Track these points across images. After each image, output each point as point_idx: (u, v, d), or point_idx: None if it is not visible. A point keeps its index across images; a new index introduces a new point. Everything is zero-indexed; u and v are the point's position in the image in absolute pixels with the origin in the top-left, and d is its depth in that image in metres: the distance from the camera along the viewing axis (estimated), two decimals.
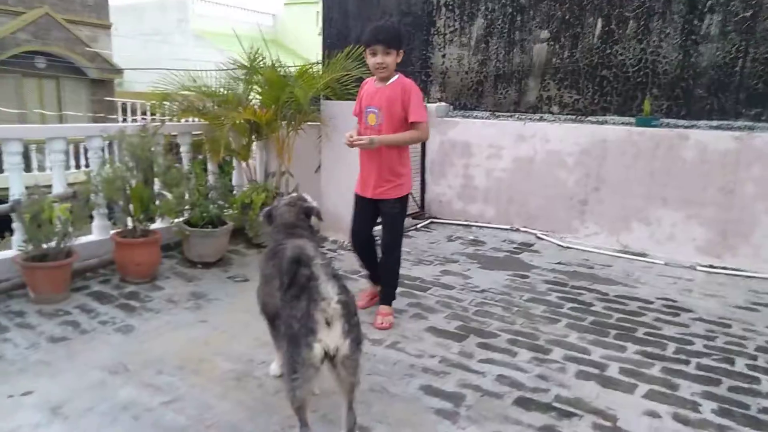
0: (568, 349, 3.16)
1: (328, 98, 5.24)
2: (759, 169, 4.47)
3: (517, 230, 5.73)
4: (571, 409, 2.54)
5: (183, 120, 4.87)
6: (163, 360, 2.87)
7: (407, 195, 3.60)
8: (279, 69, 4.97)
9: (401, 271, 4.40)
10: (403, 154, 3.51)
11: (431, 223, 6.13)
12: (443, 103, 6.35)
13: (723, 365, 2.99)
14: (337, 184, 5.08)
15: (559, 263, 4.79)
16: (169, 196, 4.09)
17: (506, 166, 5.75)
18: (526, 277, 4.41)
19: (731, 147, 4.56)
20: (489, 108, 6.19)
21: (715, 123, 4.90)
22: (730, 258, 4.64)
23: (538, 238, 5.51)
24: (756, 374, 2.89)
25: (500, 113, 6.06)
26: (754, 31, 4.70)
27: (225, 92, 4.79)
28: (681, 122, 5.03)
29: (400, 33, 3.55)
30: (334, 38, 7.04)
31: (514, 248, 5.24)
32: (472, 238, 5.60)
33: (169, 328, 3.27)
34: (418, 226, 5.98)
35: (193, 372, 2.78)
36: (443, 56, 6.39)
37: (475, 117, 6.10)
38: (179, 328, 3.26)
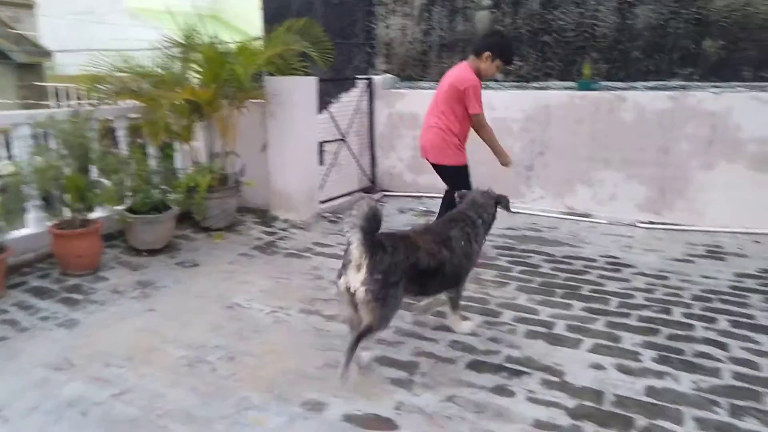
0: (518, 310, 3.25)
1: (271, 74, 5.12)
2: (692, 127, 4.65)
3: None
4: (521, 368, 2.62)
5: (118, 103, 4.65)
6: (111, 352, 2.80)
7: None
8: (218, 45, 4.81)
9: None
10: None
11: (383, 196, 6.14)
12: (389, 75, 6.30)
13: (661, 315, 3.14)
14: (284, 163, 5.00)
15: (508, 228, 4.89)
16: (108, 183, 3.93)
17: None
18: None
19: (666, 107, 4.72)
20: (435, 78, 6.16)
21: (651, 84, 5.05)
22: (668, 213, 4.85)
23: None
24: (691, 321, 3.06)
25: None
26: None
27: (161, 72, 4.60)
28: (619, 84, 5.15)
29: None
30: (274, 12, 6.84)
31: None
32: (423, 209, 5.65)
33: (115, 319, 3.18)
34: None
35: (142, 362, 2.72)
36: (387, 27, 6.32)
37: (422, 88, 6.08)
38: (126, 319, 3.18)
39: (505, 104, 5.40)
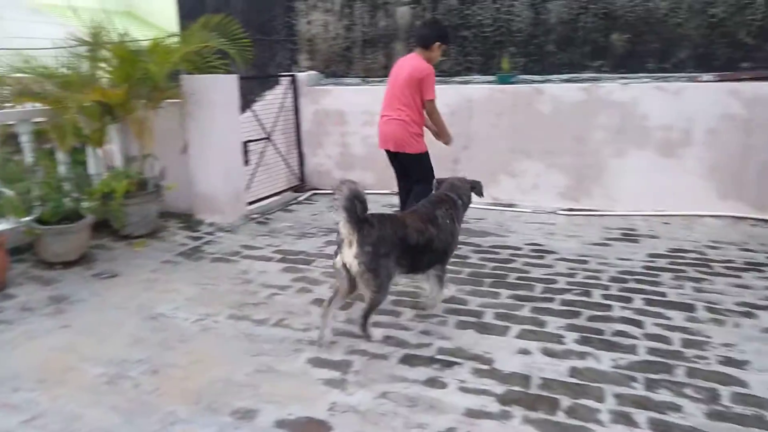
0: (448, 302, 3.30)
1: (190, 73, 4.93)
2: (604, 117, 4.89)
3: (397, 194, 5.82)
4: (453, 359, 2.67)
5: (20, 106, 4.32)
6: (20, 375, 2.60)
7: None
8: (129, 43, 4.57)
9: (285, 247, 4.36)
10: None
11: (313, 194, 6.08)
12: (313, 72, 6.23)
13: (582, 298, 3.29)
14: (207, 164, 4.83)
15: None
16: (11, 193, 3.64)
17: None
18: None
19: (580, 98, 4.94)
20: (360, 74, 6.17)
21: (565, 76, 5.27)
22: (586, 200, 5.09)
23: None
24: (609, 302, 3.22)
25: (371, 79, 6.07)
26: None
27: (67, 72, 4.31)
28: (536, 77, 5.34)
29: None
30: (189, 8, 6.61)
31: (395, 211, 5.33)
32: None
33: (25, 338, 2.95)
34: (300, 198, 5.91)
35: (57, 383, 2.54)
36: (308, 23, 6.24)
37: (347, 84, 6.06)
38: (37, 338, 2.96)
39: None
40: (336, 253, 2.78)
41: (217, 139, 4.79)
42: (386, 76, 5.89)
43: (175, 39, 4.69)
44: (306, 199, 5.93)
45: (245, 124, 5.36)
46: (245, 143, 5.23)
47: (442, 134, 4.30)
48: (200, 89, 4.65)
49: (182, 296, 3.50)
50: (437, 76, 5.66)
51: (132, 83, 4.31)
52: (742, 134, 4.53)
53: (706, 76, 4.71)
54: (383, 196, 5.82)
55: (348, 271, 2.73)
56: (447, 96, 5.38)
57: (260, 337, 2.95)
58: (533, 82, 5.25)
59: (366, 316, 2.81)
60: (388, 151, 4.31)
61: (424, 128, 4.25)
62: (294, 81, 6.02)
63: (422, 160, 4.20)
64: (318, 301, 3.36)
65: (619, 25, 5.05)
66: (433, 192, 3.37)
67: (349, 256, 2.69)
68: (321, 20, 6.16)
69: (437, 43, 4.02)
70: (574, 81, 5.14)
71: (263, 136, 5.65)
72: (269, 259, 4.12)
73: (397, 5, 5.80)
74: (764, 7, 4.61)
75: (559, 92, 5.01)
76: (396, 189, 5.81)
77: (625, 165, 4.90)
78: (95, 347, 2.87)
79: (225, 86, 4.76)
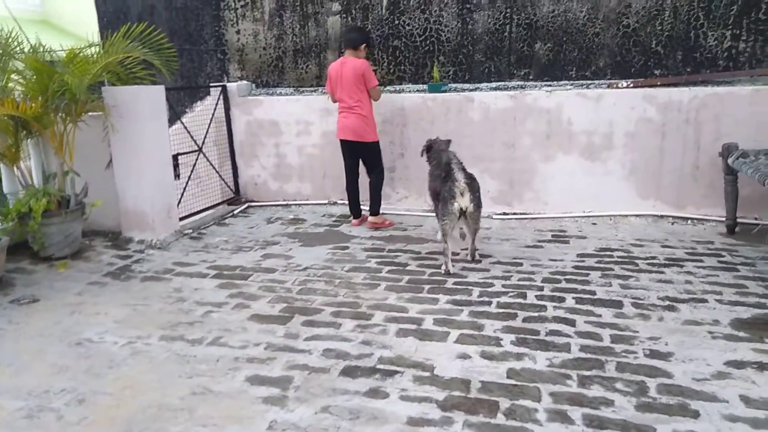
0: (388, 310, 3.31)
1: (113, 84, 4.72)
2: (531, 123, 5.07)
3: (335, 203, 5.82)
4: (394, 368, 2.66)
5: None
6: None
7: None
8: (46, 53, 4.32)
9: (220, 262, 4.24)
10: None
11: (249, 207, 5.95)
12: (244, 82, 6.11)
13: (518, 300, 3.38)
14: (134, 179, 4.63)
15: (375, 230, 4.97)
16: None
17: (316, 142, 5.76)
18: (347, 248, 4.51)
19: (509, 105, 5.10)
20: (292, 84, 6.11)
21: (494, 84, 5.43)
22: (518, 204, 5.25)
23: None
24: (543, 303, 3.32)
25: (304, 88, 6.03)
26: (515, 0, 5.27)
27: None
28: (466, 86, 5.48)
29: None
30: (111, 16, 6.35)
31: (334, 221, 5.32)
32: (292, 217, 5.56)
33: None
34: (235, 212, 5.77)
35: None
36: (238, 32, 6.12)
37: (280, 94, 5.99)
38: None
39: None
40: (452, 202, 3.78)
41: (145, 153, 4.60)
42: (320, 85, 5.94)
43: (96, 49, 4.47)
44: (242, 212, 5.80)
45: (175, 136, 5.18)
46: (175, 156, 5.05)
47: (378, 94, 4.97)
48: (124, 101, 4.45)
49: (110, 319, 3.33)
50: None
51: (49, 96, 4.07)
52: (658, 137, 4.82)
53: (623, 83, 4.99)
54: (321, 206, 5.79)
55: (463, 212, 3.80)
56: (380, 105, 5.43)
57: (195, 357, 2.84)
58: (463, 90, 5.37)
59: (474, 238, 4.05)
60: (345, 145, 4.94)
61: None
62: (225, 91, 5.89)
63: (377, 149, 4.97)
64: (256, 317, 3.29)
65: (542, 35, 5.27)
66: (443, 156, 4.15)
67: (466, 201, 3.78)
68: (251, 30, 6.06)
69: (363, 45, 4.80)
70: (502, 89, 5.30)
71: (194, 148, 5.48)
72: (204, 276, 3.99)
73: (328, 15, 5.80)
74: (671, 18, 4.93)
75: (488, 100, 5.15)
76: (333, 199, 5.83)
77: (554, 169, 5.10)
78: (12, 379, 2.67)
79: (151, 97, 4.59)
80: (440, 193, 3.95)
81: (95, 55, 4.28)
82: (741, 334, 2.86)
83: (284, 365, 2.73)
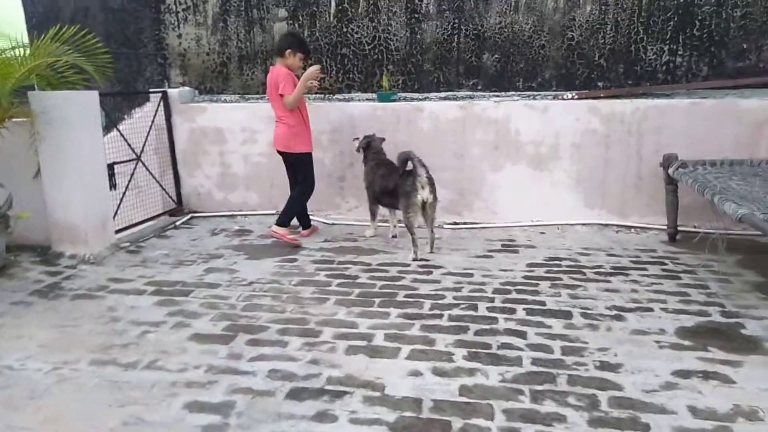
0: (338, 326, 3.19)
1: (42, 89, 4.41)
2: (480, 133, 5.09)
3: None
4: (343, 388, 2.55)
5: None
6: None
7: None
8: None
9: (159, 278, 4.03)
10: None
11: (192, 218, 5.70)
12: (187, 88, 5.87)
13: (469, 312, 3.33)
14: (64, 190, 4.33)
15: (325, 241, 4.85)
16: None
17: (263, 150, 5.59)
18: (295, 260, 4.37)
19: (458, 115, 5.10)
20: (237, 90, 5.93)
21: (443, 94, 5.42)
22: (468, 213, 5.25)
23: None
24: (494, 315, 3.29)
25: (249, 95, 5.85)
26: (463, 10, 5.28)
27: None
28: (416, 95, 5.45)
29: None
30: (41, 17, 5.99)
31: None
32: (237, 228, 5.36)
33: None
34: (177, 223, 5.51)
35: None
36: (179, 36, 5.89)
37: (224, 101, 5.78)
38: None
39: (311, 116, 5.36)
40: (415, 195, 4.21)
41: (76, 162, 4.31)
42: (265, 92, 5.77)
43: (21, 51, 4.17)
44: (184, 223, 5.55)
45: (111, 144, 4.90)
46: (111, 165, 4.77)
47: (301, 88, 4.51)
48: (53, 107, 4.16)
49: (34, 343, 3.06)
50: (318, 93, 5.59)
51: None
52: (602, 148, 4.92)
53: (568, 94, 5.07)
54: (269, 216, 5.61)
55: (423, 203, 4.25)
56: (329, 113, 5.33)
57: (128, 383, 2.63)
58: (413, 99, 5.34)
59: (432, 226, 4.47)
60: (279, 154, 4.80)
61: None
62: (165, 97, 5.63)
63: (306, 161, 4.76)
64: (196, 337, 3.10)
65: (489, 46, 5.31)
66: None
67: (426, 193, 4.24)
68: (193, 34, 5.84)
69: (288, 51, 4.54)
70: (451, 99, 5.30)
71: (132, 157, 5.20)
72: (141, 293, 3.75)
73: (274, 21, 5.66)
74: (613, 32, 5.07)
75: (438, 109, 5.13)
76: (280, 209, 5.65)
77: (503, 179, 5.13)
78: None
79: (83, 103, 4.31)
80: (397, 188, 4.33)
81: (20, 58, 3.97)
82: (686, 342, 2.90)
83: (226, 389, 2.57)
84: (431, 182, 4.28)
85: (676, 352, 2.80)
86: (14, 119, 4.17)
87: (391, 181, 4.42)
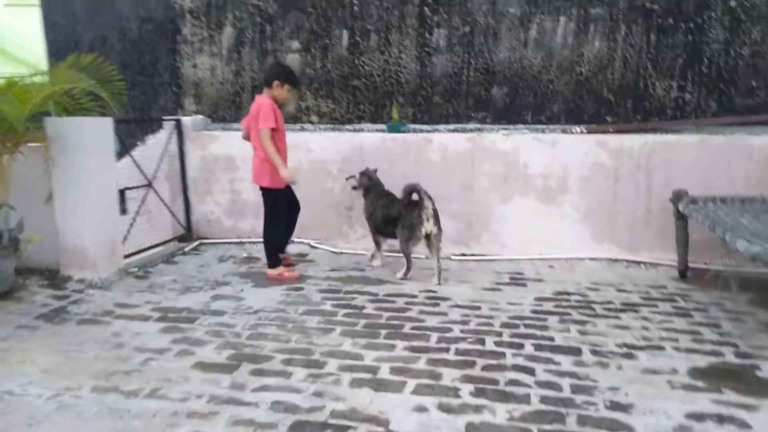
0: (343, 358, 3.15)
1: (59, 115, 4.50)
2: (488, 165, 5.10)
3: (292, 242, 5.64)
4: (346, 422, 2.50)
5: None
6: None
7: None
8: None
9: (165, 304, 4.02)
10: None
11: (200, 245, 5.71)
12: (200, 116, 5.96)
13: (476, 346, 3.28)
14: (75, 214, 4.36)
15: (332, 270, 4.83)
16: None
17: None
18: (301, 289, 4.35)
19: (467, 147, 5.13)
20: None
21: (452, 126, 5.47)
22: (476, 245, 5.22)
23: (312, 247, 5.52)
24: (502, 349, 3.24)
25: None
26: (473, 45, 5.37)
27: None
28: (425, 127, 5.50)
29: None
30: (61, 45, 6.13)
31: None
32: (245, 255, 5.36)
33: None
34: (186, 249, 5.52)
35: None
36: (194, 66, 6.01)
37: (236, 129, 5.85)
38: None
39: (321, 146, 5.43)
40: (419, 227, 4.35)
41: (88, 187, 4.36)
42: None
43: (40, 78, 4.26)
44: (192, 249, 5.56)
45: (124, 170, 4.96)
46: (122, 191, 4.82)
47: (274, 166, 4.36)
48: (68, 133, 4.23)
49: (37, 368, 3.04)
50: (329, 123, 5.68)
51: None
52: (611, 182, 4.91)
53: (576, 128, 5.10)
54: None
55: (428, 235, 4.37)
56: (339, 143, 5.38)
57: (129, 412, 2.60)
58: (422, 131, 5.38)
59: (440, 262, 4.50)
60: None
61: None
62: (179, 125, 5.72)
63: (272, 195, 4.53)
64: (200, 365, 3.07)
65: (499, 79, 5.37)
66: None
67: (431, 226, 4.34)
68: (207, 64, 5.96)
69: (276, 82, 4.41)
70: (460, 131, 5.34)
71: (144, 182, 5.25)
72: (146, 319, 3.74)
73: (287, 52, 5.77)
74: (622, 68, 5.11)
75: (446, 141, 5.17)
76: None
77: (511, 211, 5.12)
78: None
79: (97, 129, 4.38)
80: (400, 218, 4.45)
81: (37, 85, 4.06)
82: (699, 383, 2.83)
83: (228, 421, 2.53)
84: (436, 214, 4.37)
85: (689, 394, 2.73)
86: (29, 144, 4.23)
87: (394, 210, 4.52)
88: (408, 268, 4.50)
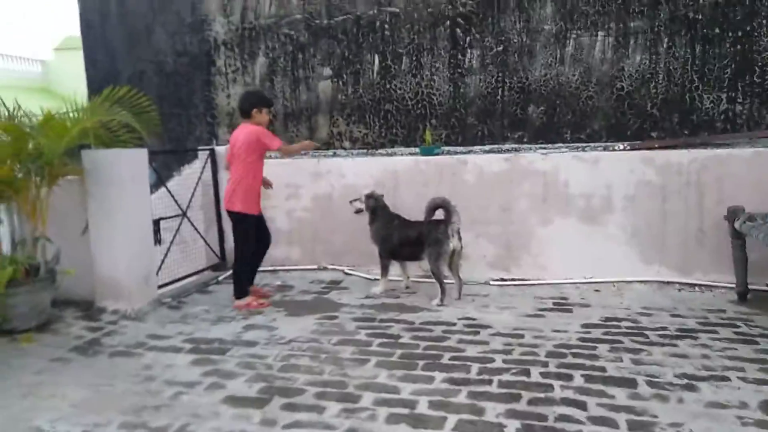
0: (378, 391, 2.99)
1: (96, 147, 4.57)
2: (528, 186, 4.91)
3: (325, 269, 5.56)
4: None
5: None
6: None
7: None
8: (24, 118, 4.17)
9: (198, 335, 3.96)
10: None
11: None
12: None
13: (521, 378, 3.07)
14: (110, 246, 4.37)
15: (366, 297, 4.70)
16: None
17: (306, 205, 5.57)
18: (335, 317, 4.22)
19: (504, 168, 4.96)
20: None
21: (487, 147, 5.32)
22: (516, 269, 5.00)
23: (346, 274, 5.40)
24: (549, 381, 3.02)
25: None
26: (507, 64, 5.24)
27: None
28: (459, 149, 5.36)
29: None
30: (101, 81, 6.29)
31: (323, 288, 5.04)
32: (279, 283, 5.28)
33: None
34: (220, 278, 5.48)
35: None
36: (228, 96, 6.07)
37: (269, 157, 5.82)
38: None
39: (354, 171, 5.35)
40: (446, 243, 4.34)
41: (123, 218, 4.38)
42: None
43: (76, 114, 4.33)
44: (226, 278, 5.51)
45: (159, 200, 4.99)
46: (157, 221, 4.83)
47: (296, 149, 4.78)
48: (103, 165, 4.27)
49: (68, 402, 2.98)
50: (362, 148, 5.61)
51: (22, 159, 3.89)
52: (659, 200, 4.65)
53: (619, 146, 4.87)
54: (311, 271, 5.52)
55: (453, 252, 4.39)
56: (372, 167, 5.30)
57: None
58: (456, 153, 5.25)
59: (459, 273, 4.56)
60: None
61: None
62: (213, 155, 5.75)
63: (243, 221, 4.48)
64: (230, 399, 2.96)
65: (535, 98, 5.21)
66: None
67: (456, 241, 4.36)
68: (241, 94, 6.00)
69: (254, 110, 4.45)
70: (496, 152, 5.19)
71: (178, 212, 5.27)
72: (178, 351, 3.67)
73: (319, 80, 5.77)
74: (665, 82, 4.89)
75: (482, 162, 5.01)
76: (323, 264, 5.58)
77: (552, 233, 4.90)
78: None
79: (132, 161, 4.42)
80: (422, 237, 4.42)
81: (74, 119, 4.12)
82: None
83: None
84: (459, 230, 4.40)
85: (763, 431, 2.45)
86: (67, 177, 4.29)
87: (413, 230, 4.50)
88: (443, 292, 4.39)
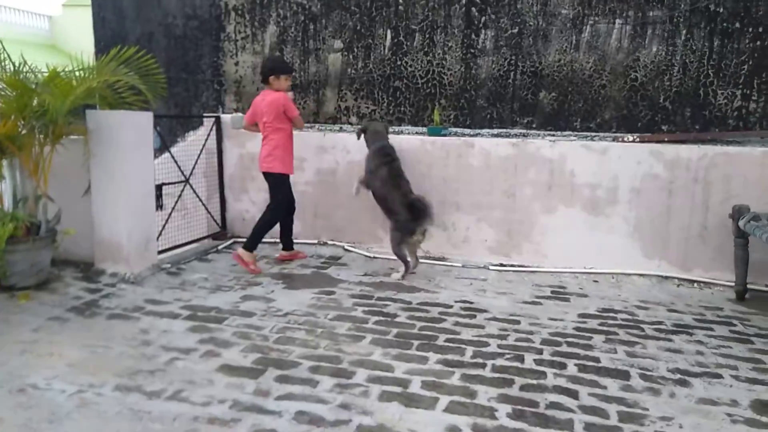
0: (372, 368, 3.00)
1: (102, 108, 4.52)
2: (533, 173, 4.87)
3: (325, 244, 5.56)
4: None
5: None
6: None
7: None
8: (29, 74, 4.12)
9: (195, 302, 3.97)
10: None
11: (234, 243, 5.67)
12: (239, 114, 5.91)
13: (515, 364, 3.08)
14: (111, 208, 4.36)
15: (365, 275, 4.70)
16: None
17: (309, 179, 5.54)
18: (333, 293, 4.22)
19: (510, 153, 4.91)
20: None
21: (495, 131, 5.26)
22: (516, 255, 4.99)
23: (346, 250, 5.40)
24: (542, 368, 3.03)
25: None
26: (521, 47, 5.15)
27: None
28: (467, 131, 5.31)
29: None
30: (108, 41, 6.20)
31: (322, 263, 5.04)
32: (278, 255, 5.27)
33: None
34: (219, 247, 5.48)
35: None
36: (236, 64, 5.99)
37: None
38: None
39: (359, 148, 5.29)
40: (413, 233, 4.50)
41: (125, 181, 4.35)
42: (317, 122, 5.78)
43: (83, 73, 4.27)
44: (226, 247, 5.52)
45: (162, 165, 4.96)
46: (159, 186, 4.81)
47: (286, 152, 4.83)
48: (108, 126, 4.23)
49: (64, 362, 3.00)
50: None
51: (26, 116, 3.85)
52: (664, 195, 4.61)
53: (629, 137, 4.82)
54: (311, 245, 5.52)
55: (418, 242, 4.60)
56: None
57: (150, 414, 2.51)
58: (464, 135, 5.20)
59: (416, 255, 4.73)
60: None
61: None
62: (218, 122, 5.70)
63: (281, 182, 4.81)
64: (225, 368, 2.97)
65: (547, 83, 5.13)
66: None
67: (420, 236, 4.55)
68: (250, 62, 5.92)
69: (272, 77, 4.66)
70: (504, 136, 5.13)
71: (181, 178, 5.24)
72: (175, 317, 3.68)
73: (329, 52, 5.68)
74: (680, 74, 4.81)
75: (489, 146, 4.97)
76: (323, 239, 5.57)
77: (554, 221, 4.87)
78: None
79: (136, 124, 4.37)
80: (399, 214, 4.53)
81: (80, 78, 4.07)
82: (764, 419, 2.56)
83: (249, 429, 2.41)
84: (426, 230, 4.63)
85: (753, 430, 2.47)
86: (71, 136, 4.25)
87: (398, 190, 4.59)
88: (407, 268, 4.59)
